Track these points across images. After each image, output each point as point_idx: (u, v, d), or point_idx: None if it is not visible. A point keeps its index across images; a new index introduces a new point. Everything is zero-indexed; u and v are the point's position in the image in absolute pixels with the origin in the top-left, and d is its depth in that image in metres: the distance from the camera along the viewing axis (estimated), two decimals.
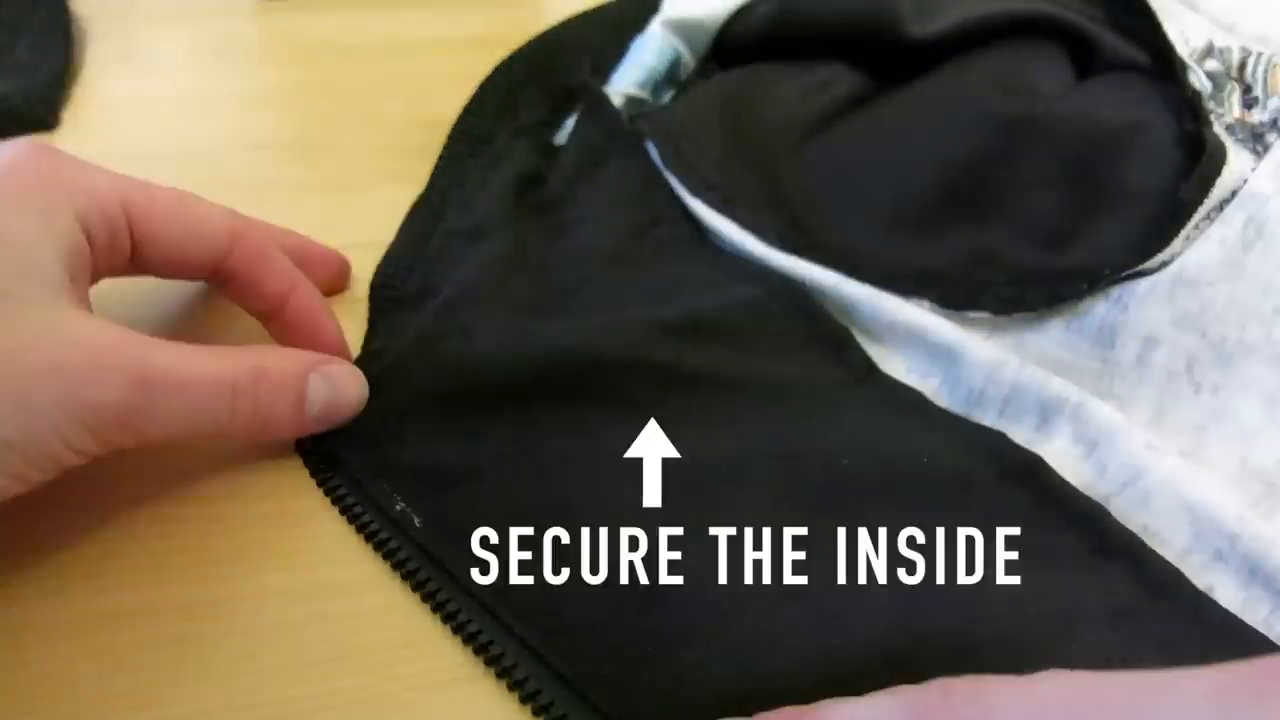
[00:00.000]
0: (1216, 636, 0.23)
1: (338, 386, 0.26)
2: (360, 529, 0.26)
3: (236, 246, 0.27)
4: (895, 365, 0.30)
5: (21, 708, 0.22)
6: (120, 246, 0.25)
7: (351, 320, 0.31)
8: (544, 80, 0.39)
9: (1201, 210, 0.29)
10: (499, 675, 0.23)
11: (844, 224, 0.34)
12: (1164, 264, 0.29)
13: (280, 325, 0.29)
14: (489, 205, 0.33)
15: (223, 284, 0.28)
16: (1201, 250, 0.28)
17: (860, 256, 0.32)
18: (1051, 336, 0.30)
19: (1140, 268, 0.29)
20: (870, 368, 0.30)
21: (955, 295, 0.31)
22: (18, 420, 0.21)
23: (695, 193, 0.34)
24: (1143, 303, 0.29)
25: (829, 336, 0.30)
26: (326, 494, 0.26)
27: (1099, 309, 0.29)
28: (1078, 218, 0.31)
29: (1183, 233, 0.29)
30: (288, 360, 0.26)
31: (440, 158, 0.36)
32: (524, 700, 0.23)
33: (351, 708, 0.23)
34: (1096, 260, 0.30)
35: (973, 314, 0.31)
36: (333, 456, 0.27)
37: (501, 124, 0.37)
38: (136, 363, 0.22)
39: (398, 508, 0.26)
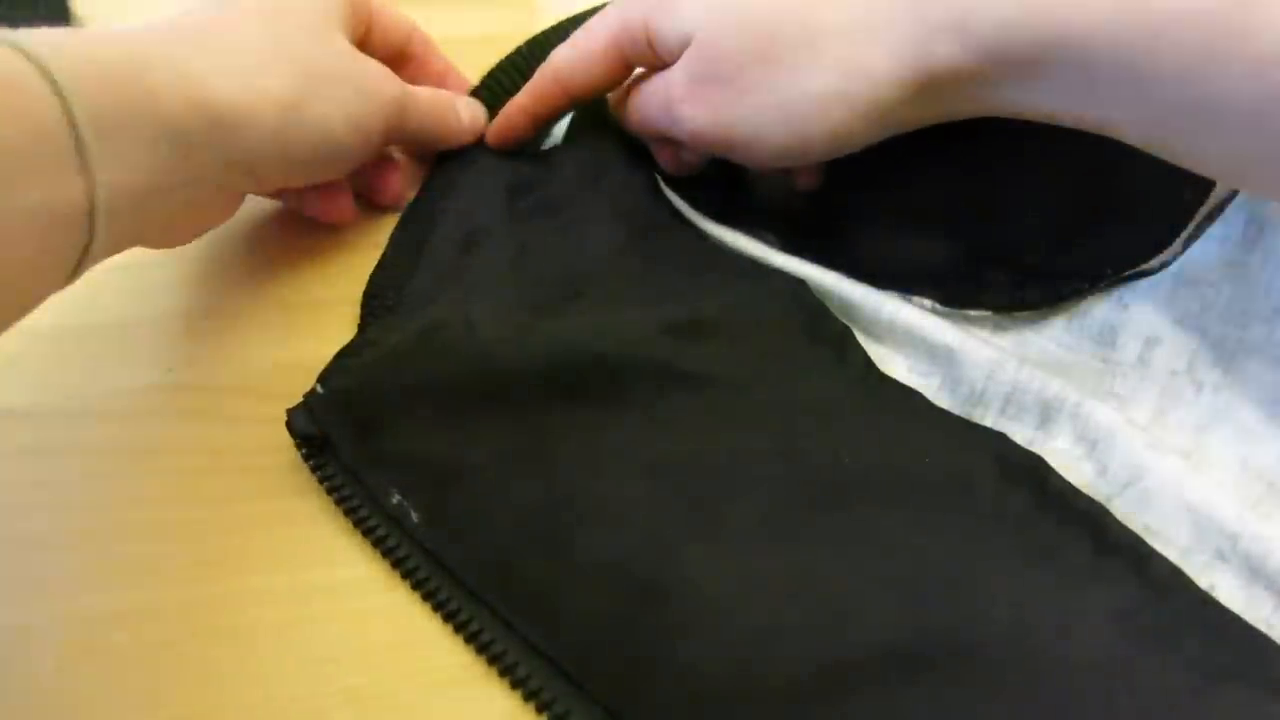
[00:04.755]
0: (1218, 635, 0.23)
1: (472, 106, 0.35)
2: (357, 523, 0.25)
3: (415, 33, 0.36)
4: (896, 365, 0.30)
5: (22, 708, 0.22)
6: (362, 22, 0.33)
7: (343, 327, 0.31)
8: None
9: (1203, 210, 0.29)
10: (501, 674, 0.23)
11: (846, 225, 0.34)
12: (1165, 263, 0.29)
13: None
14: (483, 213, 0.33)
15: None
16: (1203, 249, 0.28)
17: (860, 258, 0.32)
18: (1053, 336, 0.30)
19: (1142, 268, 0.29)
20: (871, 367, 0.30)
21: (956, 294, 0.31)
22: (359, 103, 0.30)
23: (696, 206, 0.34)
24: (1144, 302, 0.29)
25: (830, 336, 0.30)
26: (320, 482, 0.26)
27: (1100, 308, 0.29)
28: (1080, 218, 0.31)
29: (1184, 233, 0.29)
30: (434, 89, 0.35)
31: (433, 169, 0.36)
32: (526, 698, 0.23)
33: (351, 707, 0.23)
34: (1099, 260, 0.30)
35: (974, 312, 0.31)
36: (325, 441, 0.26)
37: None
38: (397, 78, 0.32)
39: (394, 500, 0.25)
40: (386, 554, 0.25)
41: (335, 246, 0.34)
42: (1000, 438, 0.27)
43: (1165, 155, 0.25)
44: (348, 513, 0.26)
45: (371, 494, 0.25)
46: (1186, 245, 0.29)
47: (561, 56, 0.33)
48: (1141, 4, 0.23)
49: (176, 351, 0.30)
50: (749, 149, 0.30)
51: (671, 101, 0.30)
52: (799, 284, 0.31)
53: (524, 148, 0.36)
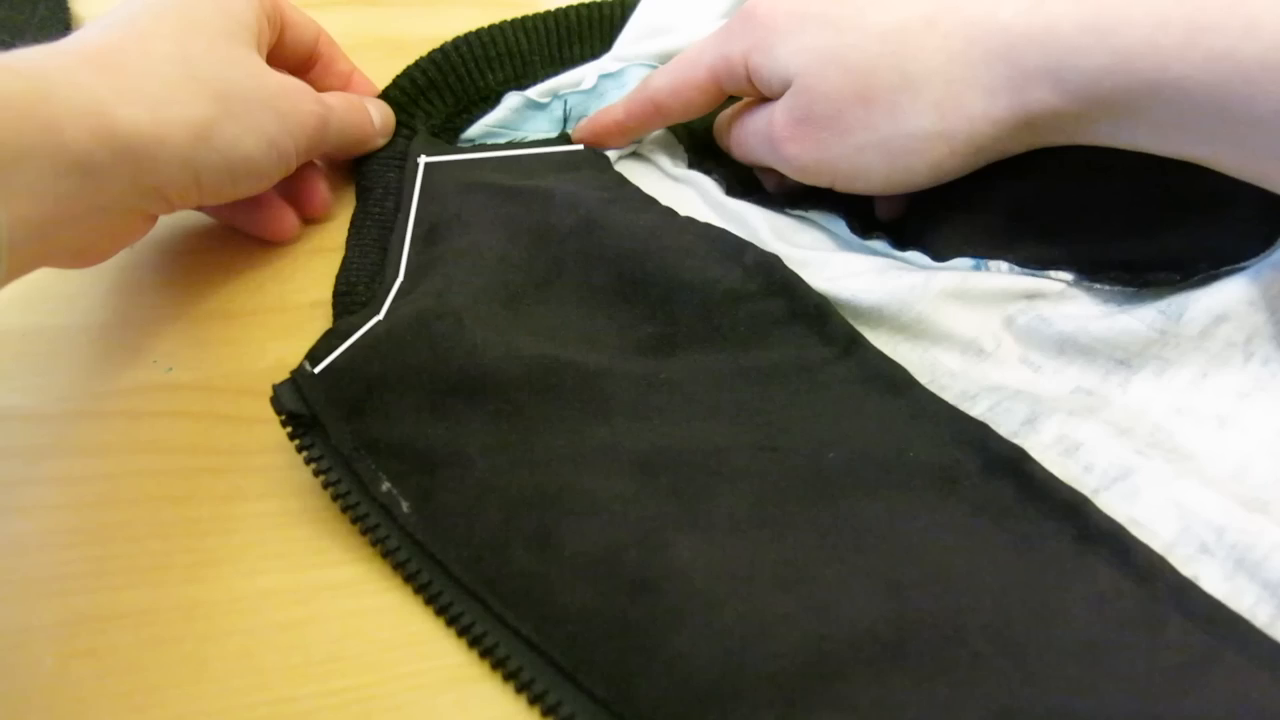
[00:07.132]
0: (1199, 619, 0.23)
1: (382, 109, 0.36)
2: (346, 509, 0.25)
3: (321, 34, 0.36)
4: (905, 355, 0.30)
5: (22, 708, 0.22)
6: (275, 28, 0.33)
7: (314, 325, 0.31)
8: (449, 86, 0.38)
9: None
10: (493, 667, 0.23)
11: (925, 222, 0.33)
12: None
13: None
14: (440, 206, 0.33)
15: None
16: None
17: (939, 247, 0.32)
18: (1119, 306, 0.30)
19: (1237, 265, 0.29)
20: (853, 339, 0.29)
21: (1038, 258, 0.31)
22: (275, 124, 0.30)
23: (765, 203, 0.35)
24: (1222, 286, 0.28)
25: (809, 309, 0.30)
26: (308, 463, 0.26)
27: (1175, 291, 0.29)
28: (1179, 212, 0.30)
29: None
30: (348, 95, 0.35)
31: (359, 173, 0.36)
32: (519, 690, 0.23)
33: (351, 707, 0.23)
34: (1193, 255, 0.29)
35: (1054, 272, 0.31)
36: (313, 421, 0.26)
37: (410, 132, 0.37)
38: (316, 93, 0.32)
39: (384, 487, 0.25)
40: (377, 544, 0.25)
41: (336, 247, 0.34)
42: (984, 429, 0.27)
43: (1263, 185, 0.26)
44: (336, 498, 0.26)
45: (362, 482, 0.26)
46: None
47: (660, 81, 0.35)
48: (1231, 51, 0.23)
49: (176, 351, 0.31)
50: (851, 183, 0.31)
51: (774, 140, 0.32)
52: (772, 257, 0.31)
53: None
